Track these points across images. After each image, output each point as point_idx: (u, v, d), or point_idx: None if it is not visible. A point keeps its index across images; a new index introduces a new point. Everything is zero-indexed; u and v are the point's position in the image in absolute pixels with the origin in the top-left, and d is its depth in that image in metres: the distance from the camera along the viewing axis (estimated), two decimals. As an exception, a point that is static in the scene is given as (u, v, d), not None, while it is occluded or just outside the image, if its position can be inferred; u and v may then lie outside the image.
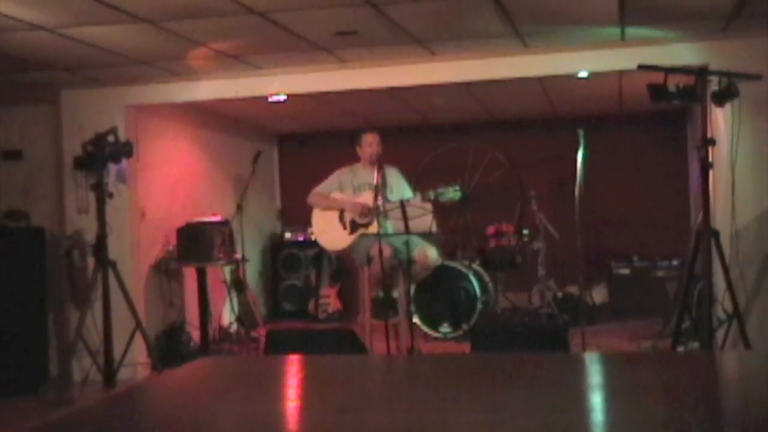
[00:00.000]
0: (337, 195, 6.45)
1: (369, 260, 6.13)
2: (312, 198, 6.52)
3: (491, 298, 8.31)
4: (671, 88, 5.07)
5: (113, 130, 6.27)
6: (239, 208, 8.04)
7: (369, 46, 6.10)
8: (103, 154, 6.16)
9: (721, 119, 5.80)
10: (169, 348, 7.35)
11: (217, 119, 8.93)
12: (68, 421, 2.53)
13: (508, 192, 9.91)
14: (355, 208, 6.28)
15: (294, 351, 3.53)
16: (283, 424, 2.33)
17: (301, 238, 9.93)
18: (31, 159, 7.19)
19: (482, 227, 8.95)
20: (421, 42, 6.03)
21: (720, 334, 5.41)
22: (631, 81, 7.32)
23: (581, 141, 6.18)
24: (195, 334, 7.69)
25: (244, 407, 2.43)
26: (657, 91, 5.10)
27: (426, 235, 6.03)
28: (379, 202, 5.92)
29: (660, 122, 9.51)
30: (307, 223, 6.84)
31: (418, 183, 6.81)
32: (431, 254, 6.30)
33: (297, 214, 9.29)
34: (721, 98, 5.19)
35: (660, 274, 9.04)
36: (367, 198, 6.22)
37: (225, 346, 8.00)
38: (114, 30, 5.38)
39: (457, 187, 5.92)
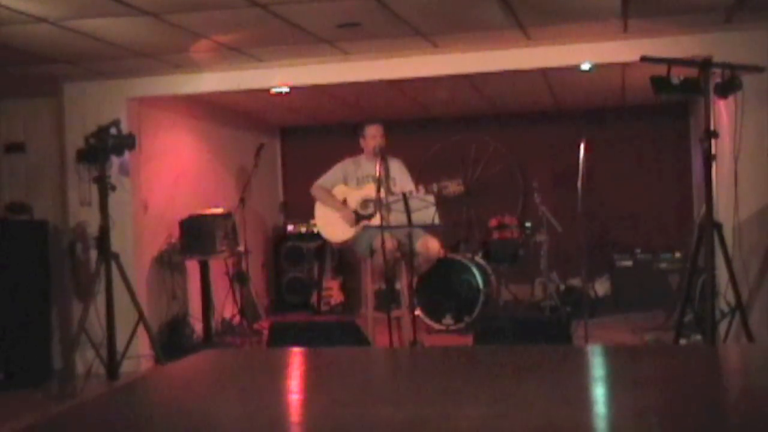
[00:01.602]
0: (341, 188, 6.45)
1: (372, 252, 6.13)
2: (315, 189, 6.52)
3: (494, 291, 8.31)
4: (674, 80, 5.05)
5: (116, 123, 6.27)
6: (242, 200, 8.04)
7: (371, 39, 6.09)
8: (106, 147, 6.16)
9: (724, 111, 5.79)
10: (172, 340, 7.37)
11: (219, 112, 8.92)
12: (71, 413, 2.53)
13: (510, 184, 9.92)
14: (346, 215, 6.31)
15: (297, 343, 3.53)
16: (285, 416, 2.34)
17: (303, 231, 9.93)
18: (34, 152, 7.19)
19: (485, 220, 8.96)
20: (424, 34, 6.02)
21: (723, 327, 5.41)
22: (633, 73, 7.31)
23: (584, 133, 6.18)
24: (198, 327, 7.71)
25: (246, 400, 2.43)
26: (660, 84, 5.08)
27: (428, 227, 6.03)
28: (382, 194, 5.92)
29: (663, 114, 9.49)
30: (309, 215, 6.84)
31: (420, 175, 6.81)
32: (433, 246, 6.30)
33: (300, 206, 9.30)
34: (724, 90, 5.18)
35: (663, 266, 9.04)
36: (369, 190, 6.22)
37: (228, 338, 8.01)
38: (117, 22, 5.38)
39: (460, 181, 5.93)
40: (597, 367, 2.95)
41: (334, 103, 8.82)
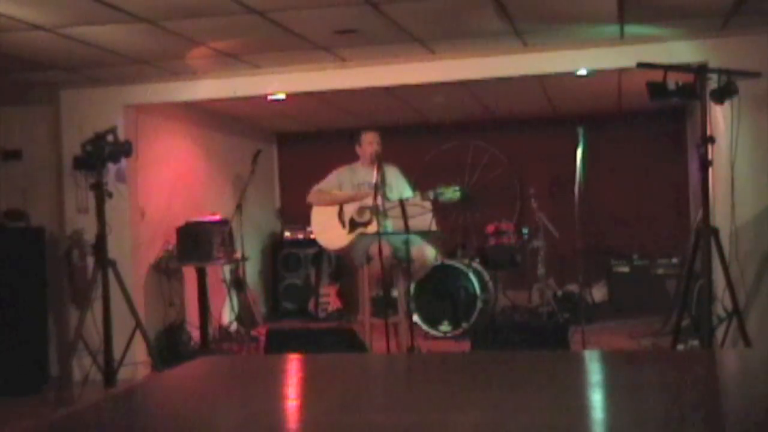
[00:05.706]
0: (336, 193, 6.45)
1: (368, 260, 6.12)
2: (312, 196, 6.51)
3: (491, 297, 8.31)
4: (670, 85, 5.06)
5: (112, 130, 6.26)
6: (239, 207, 8.03)
7: (368, 45, 6.10)
8: (103, 154, 6.14)
9: (720, 117, 5.80)
10: (169, 347, 7.35)
11: (216, 118, 8.92)
12: (68, 420, 2.53)
13: (507, 190, 9.93)
14: (356, 198, 6.29)
15: (294, 350, 3.53)
16: (283, 423, 2.33)
17: (300, 237, 9.92)
18: (31, 159, 7.18)
19: (482, 226, 8.96)
20: (421, 41, 6.02)
21: (720, 332, 5.41)
22: (630, 79, 7.32)
23: (580, 139, 6.18)
24: (195, 334, 7.69)
25: (244, 406, 2.43)
26: (656, 89, 5.10)
27: (425, 234, 6.02)
28: (379, 201, 5.91)
29: (659, 120, 9.51)
30: (306, 221, 6.83)
31: (418, 182, 6.81)
32: (429, 253, 6.29)
33: (296, 213, 9.29)
34: (720, 96, 5.19)
35: (660, 272, 9.05)
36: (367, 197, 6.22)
37: (225, 345, 8.00)
38: (113, 29, 5.38)
39: (457, 188, 5.92)
40: (594, 372, 2.95)
41: (331, 109, 8.83)
